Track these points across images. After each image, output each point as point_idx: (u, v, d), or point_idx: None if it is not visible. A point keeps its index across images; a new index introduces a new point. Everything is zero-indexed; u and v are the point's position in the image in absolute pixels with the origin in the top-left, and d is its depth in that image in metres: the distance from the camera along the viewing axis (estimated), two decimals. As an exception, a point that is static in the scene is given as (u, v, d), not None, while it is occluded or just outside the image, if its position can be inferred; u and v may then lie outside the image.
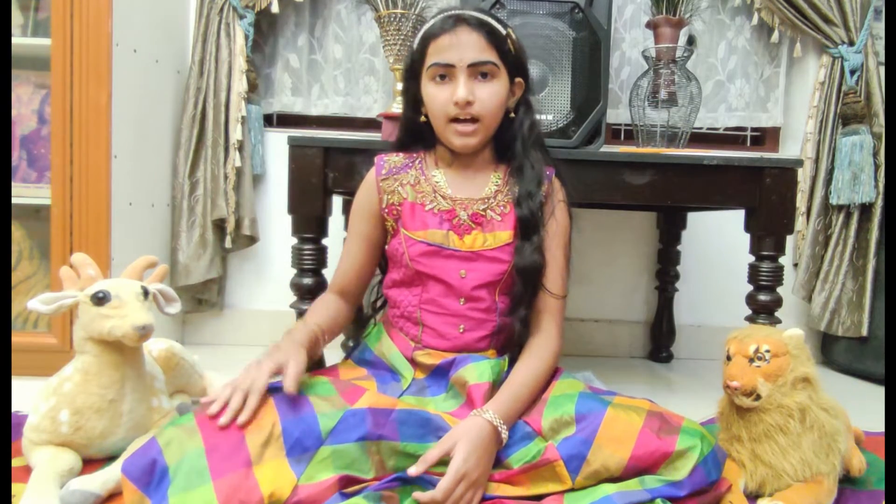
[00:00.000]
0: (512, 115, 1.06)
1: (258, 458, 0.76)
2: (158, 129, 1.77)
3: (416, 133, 1.10)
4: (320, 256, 1.31)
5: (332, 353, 1.28)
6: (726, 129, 2.09)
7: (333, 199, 1.36)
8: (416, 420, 0.86)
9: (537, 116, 1.10)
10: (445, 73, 0.99)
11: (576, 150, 1.45)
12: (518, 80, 1.06)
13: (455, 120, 1.00)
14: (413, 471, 0.81)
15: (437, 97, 1.00)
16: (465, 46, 0.98)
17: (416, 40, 1.04)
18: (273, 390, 0.84)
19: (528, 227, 1.01)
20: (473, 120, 0.99)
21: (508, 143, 1.07)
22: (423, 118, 1.06)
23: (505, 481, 0.87)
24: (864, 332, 1.84)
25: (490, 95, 1.00)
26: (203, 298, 1.91)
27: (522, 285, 1.01)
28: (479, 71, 0.99)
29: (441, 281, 1.01)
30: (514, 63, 1.04)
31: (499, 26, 1.01)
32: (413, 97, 1.06)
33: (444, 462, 0.82)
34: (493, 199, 1.04)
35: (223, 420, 0.77)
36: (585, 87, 1.50)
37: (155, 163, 1.76)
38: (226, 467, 0.74)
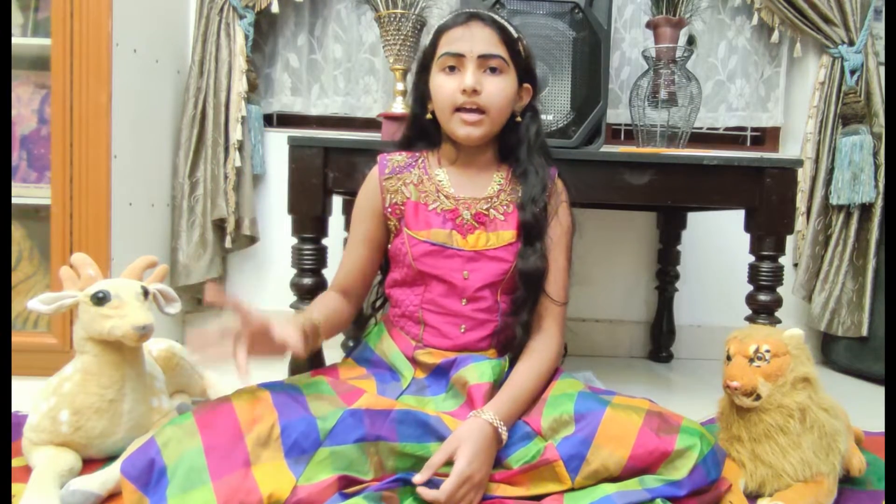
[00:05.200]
0: (518, 119, 1.07)
1: (256, 459, 0.76)
2: (158, 129, 1.77)
3: (421, 131, 1.10)
4: (320, 256, 1.31)
5: (333, 353, 1.28)
6: (726, 129, 2.09)
7: (333, 199, 1.36)
8: (415, 420, 0.86)
9: (543, 123, 1.11)
10: (455, 63, 1.00)
11: (576, 150, 1.45)
12: (526, 85, 1.07)
13: (461, 109, 1.00)
14: (419, 478, 0.80)
15: (445, 86, 1.01)
16: (477, 39, 0.99)
17: (431, 35, 1.05)
18: (272, 390, 0.84)
19: (532, 232, 1.02)
20: (479, 111, 1.00)
21: (512, 146, 1.08)
22: (428, 115, 1.07)
23: (505, 481, 0.87)
24: (864, 332, 1.84)
25: (498, 89, 1.00)
26: (203, 298, 1.91)
27: (524, 290, 1.01)
28: (488, 64, 1.00)
29: (444, 281, 1.01)
30: (524, 67, 1.05)
31: (511, 28, 1.03)
32: (421, 94, 1.07)
33: (447, 463, 0.82)
34: (496, 199, 1.05)
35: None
36: (585, 87, 1.50)
37: (155, 163, 1.76)
38: (224, 468, 0.74)
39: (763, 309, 1.35)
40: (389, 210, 1.05)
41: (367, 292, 1.13)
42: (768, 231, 1.35)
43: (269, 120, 2.03)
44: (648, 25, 1.74)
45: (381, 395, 0.94)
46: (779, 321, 1.36)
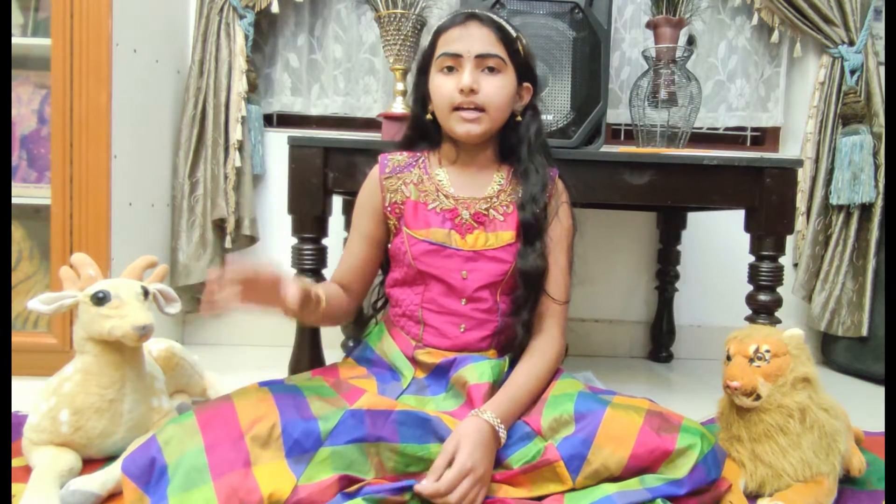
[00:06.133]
0: (518, 118, 1.07)
1: (257, 459, 0.76)
2: (158, 129, 1.77)
3: (422, 130, 1.11)
4: (320, 256, 1.31)
5: (333, 353, 1.29)
6: (726, 129, 2.09)
7: (333, 199, 1.36)
8: (415, 421, 0.86)
9: (543, 122, 1.11)
10: (453, 64, 1.01)
11: (576, 150, 1.45)
12: (526, 84, 1.07)
13: (459, 108, 1.00)
14: (421, 487, 0.80)
15: (443, 87, 1.01)
16: (474, 38, 1.00)
17: (430, 36, 1.06)
18: (273, 390, 0.84)
19: (532, 231, 1.02)
20: (478, 109, 1.00)
21: (513, 146, 1.08)
22: (429, 116, 1.07)
23: (506, 482, 0.87)
24: (864, 332, 1.84)
25: (495, 88, 1.01)
26: (203, 298, 1.91)
27: (525, 289, 1.01)
28: (485, 64, 1.00)
29: (442, 281, 1.01)
30: (523, 66, 1.05)
31: (509, 28, 1.03)
32: (421, 95, 1.08)
33: (450, 465, 0.82)
34: (495, 199, 1.05)
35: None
36: (585, 87, 1.50)
37: (155, 163, 1.76)
38: (225, 467, 0.74)
39: (763, 309, 1.35)
40: (389, 209, 1.05)
41: (366, 290, 1.13)
42: (768, 231, 1.35)
43: (269, 120, 2.03)
44: (648, 25, 1.74)
45: (382, 395, 0.94)
46: (779, 321, 1.36)
